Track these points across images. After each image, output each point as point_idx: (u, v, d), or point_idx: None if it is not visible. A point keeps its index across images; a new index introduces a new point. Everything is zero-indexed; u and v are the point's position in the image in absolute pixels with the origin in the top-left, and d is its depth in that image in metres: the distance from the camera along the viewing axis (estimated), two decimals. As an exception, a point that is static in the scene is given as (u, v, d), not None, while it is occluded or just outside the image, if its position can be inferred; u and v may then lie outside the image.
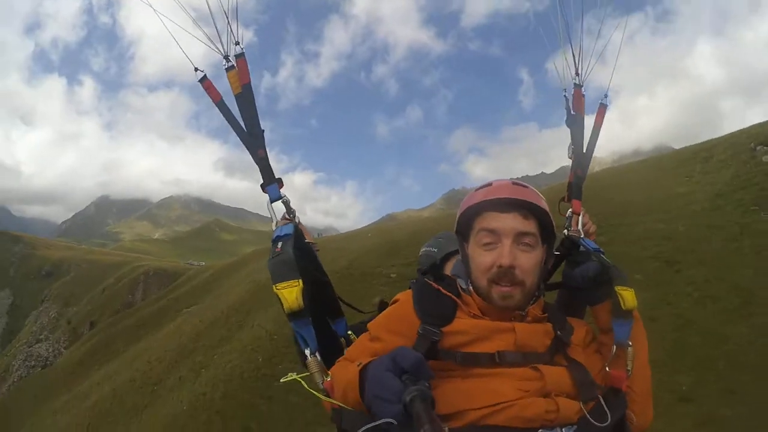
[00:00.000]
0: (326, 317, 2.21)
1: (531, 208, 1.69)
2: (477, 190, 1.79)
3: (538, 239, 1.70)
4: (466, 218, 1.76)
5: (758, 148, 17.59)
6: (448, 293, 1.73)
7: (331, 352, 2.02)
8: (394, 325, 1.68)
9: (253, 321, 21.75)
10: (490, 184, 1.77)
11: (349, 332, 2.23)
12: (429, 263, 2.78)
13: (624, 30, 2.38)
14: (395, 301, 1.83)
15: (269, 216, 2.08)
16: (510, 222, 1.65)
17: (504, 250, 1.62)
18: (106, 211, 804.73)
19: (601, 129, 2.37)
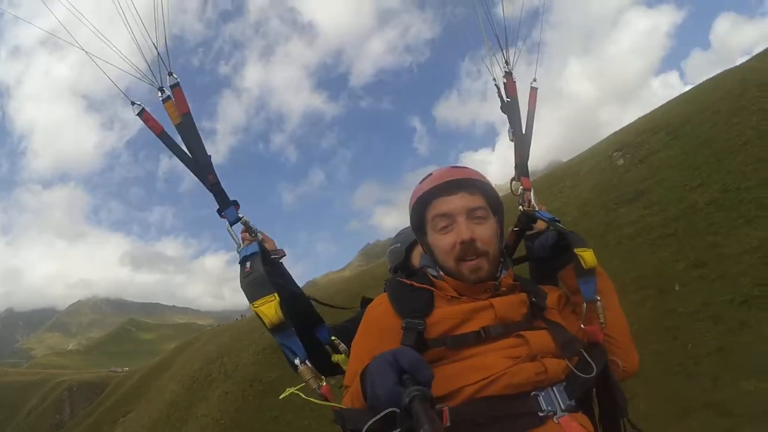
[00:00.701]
0: (307, 327, 2.23)
1: (474, 183, 1.80)
2: (420, 183, 1.88)
3: (488, 211, 1.79)
4: (418, 212, 1.83)
5: (614, 154, 19.44)
6: (422, 285, 1.77)
7: (318, 360, 2.10)
8: (378, 331, 1.70)
9: (197, 412, 22.60)
10: (431, 174, 1.87)
11: (333, 337, 2.25)
12: (397, 259, 2.89)
13: (543, 7, 2.58)
14: (372, 306, 1.86)
15: (232, 240, 2.10)
16: (459, 201, 1.75)
17: (461, 227, 1.71)
18: (13, 326, 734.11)
19: (536, 110, 2.51)
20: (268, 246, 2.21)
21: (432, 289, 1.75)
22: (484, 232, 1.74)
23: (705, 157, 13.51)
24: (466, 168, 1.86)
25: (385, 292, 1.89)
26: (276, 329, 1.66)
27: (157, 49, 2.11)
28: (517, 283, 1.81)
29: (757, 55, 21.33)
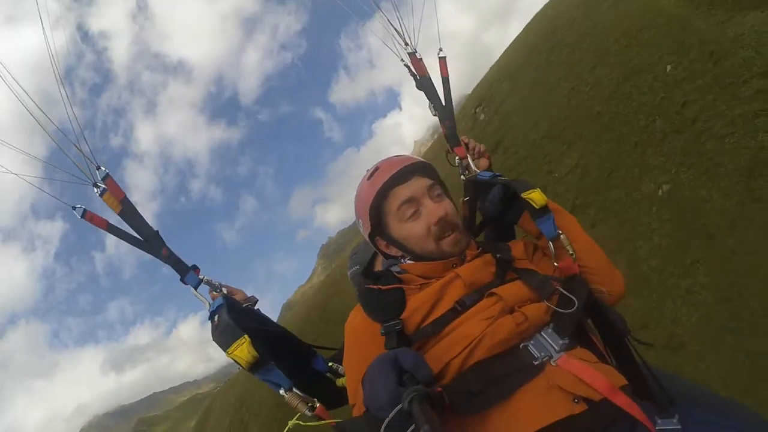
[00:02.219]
0: (302, 361, 2.29)
1: (421, 167, 1.89)
2: (368, 179, 1.90)
3: (440, 188, 1.90)
4: (376, 208, 1.85)
5: (476, 110, 20.52)
6: (389, 287, 1.79)
7: (321, 389, 2.24)
8: (362, 341, 1.72)
9: None
10: (377, 168, 1.90)
11: (330, 363, 2.30)
12: (359, 280, 2.82)
13: None
14: (349, 321, 1.86)
15: (200, 301, 2.13)
16: (417, 184, 1.83)
17: (430, 207, 1.79)
18: None
19: (449, 79, 2.56)
20: (238, 297, 2.25)
21: (400, 286, 1.77)
22: (449, 206, 1.82)
23: (536, 98, 15.41)
24: (408, 155, 1.89)
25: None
26: (253, 368, 1.66)
27: (80, 150, 2.13)
28: (479, 250, 1.84)
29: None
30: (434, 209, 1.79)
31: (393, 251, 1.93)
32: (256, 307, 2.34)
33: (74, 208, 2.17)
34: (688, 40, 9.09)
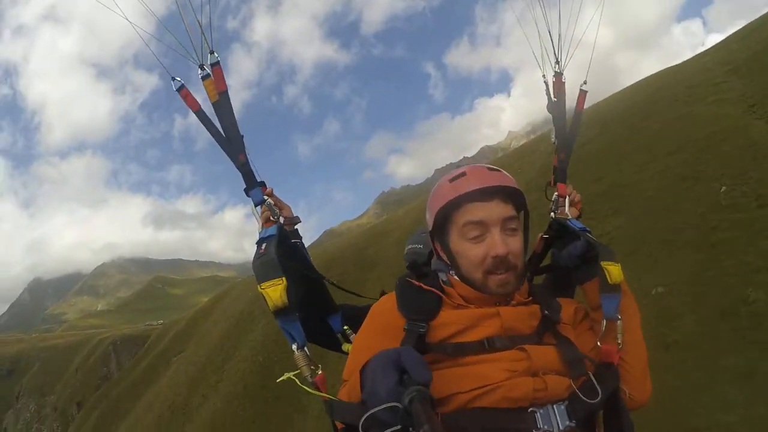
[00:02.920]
0: (321, 314, 2.28)
1: (510, 192, 1.69)
2: (451, 180, 1.73)
3: (519, 222, 1.71)
4: (444, 213, 1.71)
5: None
6: (430, 288, 1.71)
7: (329, 347, 2.30)
8: (380, 329, 1.67)
9: (247, 338, 27.77)
10: (464, 174, 1.72)
11: (345, 327, 2.27)
12: (415, 259, 2.88)
13: (601, 13, 2.48)
14: (379, 303, 1.80)
15: (254, 218, 2.10)
16: (495, 210, 1.64)
17: (496, 240, 1.62)
18: (42, 295, 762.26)
19: (582, 115, 2.42)
20: (284, 213, 2.20)
21: (440, 294, 1.70)
22: (516, 245, 1.66)
23: (611, 155, 16.92)
24: (501, 172, 1.71)
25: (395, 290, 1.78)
26: (279, 313, 1.62)
27: (200, 26, 2.07)
28: (529, 299, 1.72)
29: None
30: (498, 244, 1.61)
31: (443, 257, 1.79)
32: (296, 227, 2.29)
33: (173, 78, 2.14)
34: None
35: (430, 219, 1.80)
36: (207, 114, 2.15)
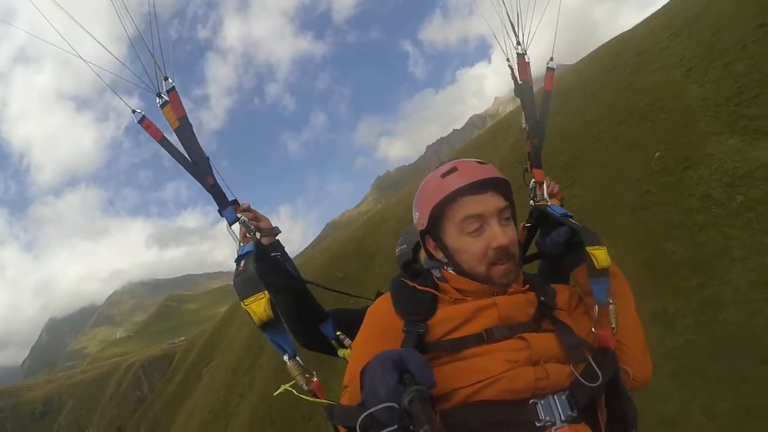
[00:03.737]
0: (311, 322, 2.27)
1: (499, 183, 1.71)
2: (443, 176, 1.72)
3: (510, 212, 1.72)
4: (438, 210, 1.70)
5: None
6: (424, 288, 1.71)
7: (327, 352, 2.29)
8: (379, 332, 1.67)
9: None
10: (455, 169, 1.72)
11: (338, 332, 2.24)
12: (404, 260, 2.80)
13: None
14: (374, 306, 1.80)
15: (231, 239, 2.06)
16: (491, 202, 1.66)
17: (496, 231, 1.63)
18: (60, 333, 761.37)
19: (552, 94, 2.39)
20: (263, 225, 2.20)
21: (435, 292, 1.70)
22: (513, 234, 1.69)
23: (573, 126, 18.26)
24: (489, 164, 1.74)
25: (389, 291, 1.79)
26: (265, 326, 1.62)
27: (152, 55, 2.07)
28: (526, 287, 1.73)
29: None
30: (499, 234, 1.62)
31: (439, 255, 1.77)
32: (277, 237, 2.29)
33: (134, 111, 2.12)
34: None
35: (422, 217, 1.75)
36: (170, 141, 2.16)
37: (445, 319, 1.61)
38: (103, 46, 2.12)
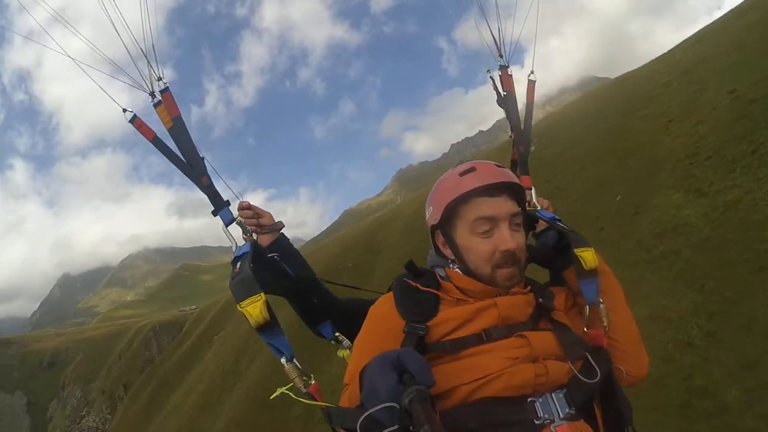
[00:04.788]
0: (309, 324, 2.26)
1: (515, 188, 1.74)
2: (461, 174, 1.74)
3: (521, 218, 1.75)
4: (452, 207, 1.72)
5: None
6: (426, 289, 1.73)
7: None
8: (380, 332, 1.68)
9: (283, 314, 31.50)
10: (473, 169, 1.73)
11: (337, 334, 2.23)
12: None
13: (538, 7, 2.38)
14: (376, 305, 1.80)
15: (228, 241, 2.05)
16: (504, 206, 1.68)
17: (505, 235, 1.65)
18: (72, 290, 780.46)
19: (534, 104, 2.45)
20: (264, 221, 2.23)
21: (437, 293, 1.72)
22: (521, 240, 1.72)
23: (602, 145, 21.43)
24: (507, 169, 1.77)
25: (390, 291, 1.80)
26: (261, 329, 1.63)
27: (145, 55, 2.07)
28: (527, 288, 1.75)
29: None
30: (507, 238, 1.65)
31: (447, 252, 1.80)
32: (281, 232, 2.30)
33: (125, 110, 2.10)
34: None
35: (436, 212, 1.77)
36: (164, 141, 2.15)
37: (446, 320, 1.61)
38: (94, 47, 2.07)
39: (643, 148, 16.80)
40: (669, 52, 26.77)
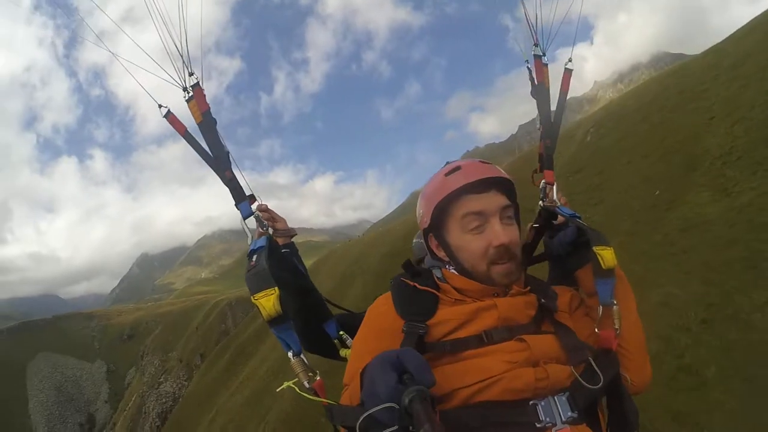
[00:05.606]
0: (315, 320, 2.29)
1: (503, 182, 1.73)
2: (447, 175, 1.74)
3: (513, 212, 1.74)
4: (441, 208, 1.72)
5: (591, 130, 28.65)
6: (425, 288, 1.72)
7: (323, 352, 2.30)
8: (378, 331, 1.69)
9: (350, 294, 31.66)
10: (459, 168, 1.74)
11: (341, 332, 2.28)
12: (422, 253, 2.83)
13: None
14: (375, 305, 1.82)
15: (247, 234, 2.09)
16: (493, 200, 1.68)
17: (497, 229, 1.64)
18: (150, 268, 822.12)
19: (568, 94, 2.35)
20: (279, 226, 2.29)
21: (435, 292, 1.71)
22: (515, 234, 1.70)
23: (653, 140, 22.09)
24: (494, 165, 1.76)
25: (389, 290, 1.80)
26: (273, 322, 1.62)
27: (180, 52, 2.10)
28: (527, 289, 1.73)
29: None
30: (499, 232, 1.63)
31: (441, 254, 1.80)
32: (292, 240, 2.35)
33: (160, 106, 2.16)
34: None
35: (426, 215, 1.78)
36: (193, 135, 2.19)
37: (445, 320, 1.61)
38: (134, 41, 2.10)
39: (686, 144, 17.41)
40: (721, 42, 26.71)
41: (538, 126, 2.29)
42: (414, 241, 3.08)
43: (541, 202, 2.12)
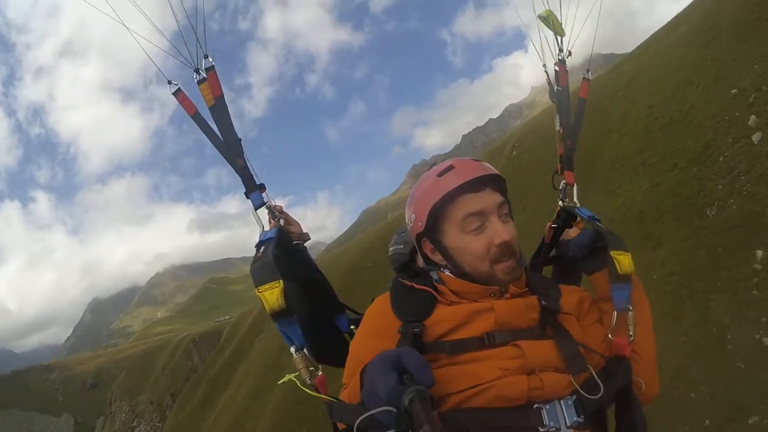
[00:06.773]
0: (327, 315, 2.26)
1: (496, 180, 1.67)
2: (439, 175, 1.66)
3: (508, 208, 1.68)
4: (437, 211, 1.65)
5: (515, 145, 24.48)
6: (422, 287, 1.69)
7: (335, 348, 2.19)
8: (376, 331, 1.64)
9: None
10: (451, 167, 1.66)
11: (352, 327, 2.25)
12: (401, 261, 2.74)
13: (600, 3, 2.40)
14: (373, 306, 1.77)
15: (257, 225, 2.05)
16: (490, 198, 1.62)
17: (497, 227, 1.59)
18: (103, 312, 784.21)
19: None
20: (293, 230, 2.20)
21: (433, 292, 1.67)
22: (514, 231, 1.64)
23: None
24: (484, 162, 1.69)
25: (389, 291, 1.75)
26: (276, 316, 1.60)
27: (194, 30, 2.04)
28: (525, 290, 1.67)
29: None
30: (501, 230, 1.58)
31: (437, 258, 1.72)
32: (305, 244, 2.26)
33: (170, 82, 2.13)
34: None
35: (419, 219, 1.69)
36: (204, 118, 2.13)
37: (442, 320, 1.57)
38: (147, 16, 2.06)
39: (588, 154, 17.98)
40: (617, 62, 28.80)
41: (558, 128, 2.31)
42: (390, 249, 2.88)
43: (560, 203, 2.15)
